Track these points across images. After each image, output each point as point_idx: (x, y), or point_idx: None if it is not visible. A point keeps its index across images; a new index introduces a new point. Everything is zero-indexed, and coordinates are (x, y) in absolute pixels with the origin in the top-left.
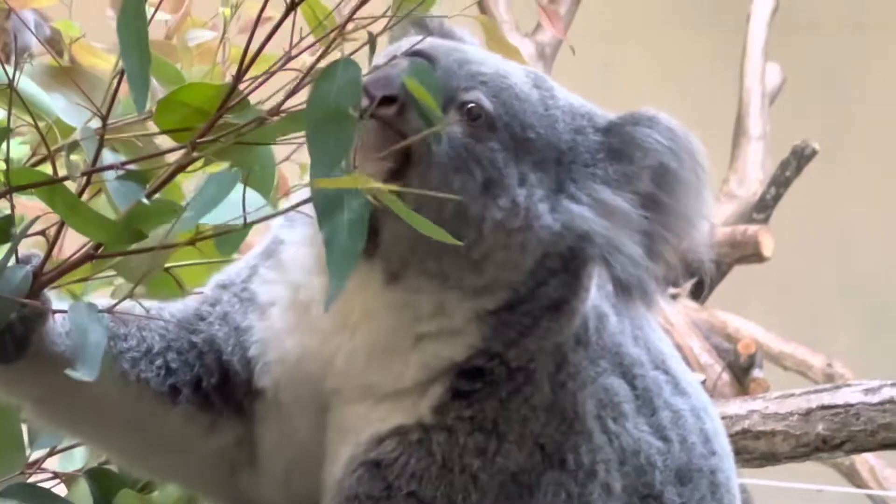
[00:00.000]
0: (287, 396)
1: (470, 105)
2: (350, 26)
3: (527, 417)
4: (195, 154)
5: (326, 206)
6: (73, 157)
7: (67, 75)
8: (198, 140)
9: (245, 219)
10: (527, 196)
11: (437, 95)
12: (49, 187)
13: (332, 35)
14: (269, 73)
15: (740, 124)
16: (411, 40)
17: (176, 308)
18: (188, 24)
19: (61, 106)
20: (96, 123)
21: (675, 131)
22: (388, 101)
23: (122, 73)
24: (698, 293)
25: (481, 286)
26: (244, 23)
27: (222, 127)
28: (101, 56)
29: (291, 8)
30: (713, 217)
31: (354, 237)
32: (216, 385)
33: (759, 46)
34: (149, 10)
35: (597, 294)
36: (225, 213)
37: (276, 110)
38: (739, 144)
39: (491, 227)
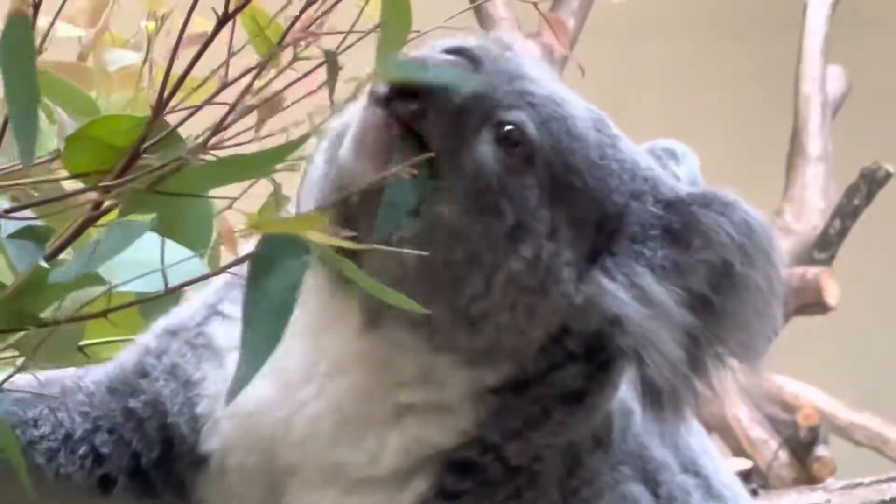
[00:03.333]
0: (232, 462)
1: (509, 127)
2: (304, 40)
3: None
4: (107, 202)
5: (258, 265)
6: None
7: None
8: (109, 183)
9: (167, 284)
10: (553, 253)
11: (473, 106)
12: None
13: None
14: (202, 103)
15: (796, 142)
16: (459, 39)
17: (103, 371)
18: (106, 43)
19: None
20: None
21: (753, 226)
22: (407, 94)
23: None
24: None
25: (478, 351)
26: (175, 41)
27: (142, 168)
28: None
29: (226, 19)
30: (779, 333)
31: (280, 312)
32: (157, 459)
33: (818, 46)
34: (66, 27)
35: (623, 386)
36: (146, 276)
37: (203, 147)
38: (795, 166)
39: (503, 280)
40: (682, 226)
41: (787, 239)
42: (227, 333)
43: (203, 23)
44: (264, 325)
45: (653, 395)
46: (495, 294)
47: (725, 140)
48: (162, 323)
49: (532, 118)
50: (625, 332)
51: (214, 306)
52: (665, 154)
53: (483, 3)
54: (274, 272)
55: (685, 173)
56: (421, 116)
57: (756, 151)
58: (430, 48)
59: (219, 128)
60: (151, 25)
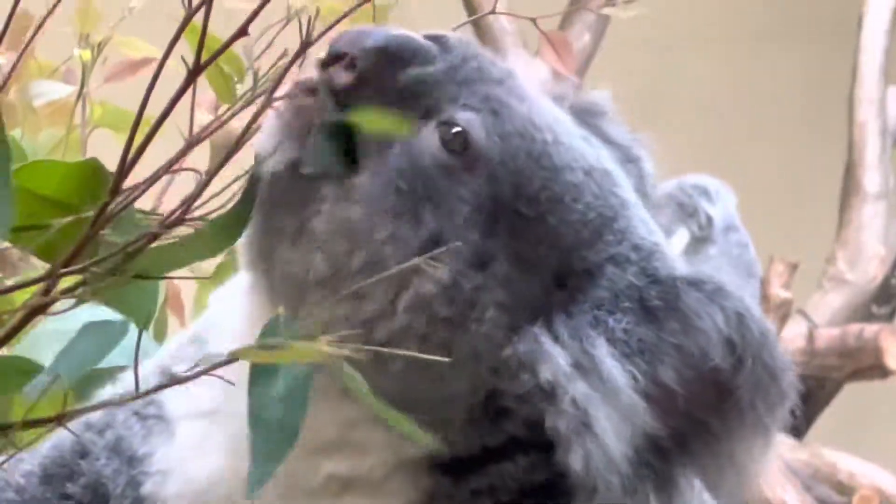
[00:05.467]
0: None
1: (456, 128)
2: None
3: None
4: (61, 291)
5: (257, 373)
6: None
7: None
8: (65, 269)
9: None
10: (477, 286)
11: (418, 93)
12: None
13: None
14: (174, 168)
15: (851, 176)
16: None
17: (36, 456)
18: (31, 71)
19: None
20: None
21: (748, 322)
22: (342, 60)
23: None
24: (795, 426)
25: (390, 397)
26: (111, 68)
27: (95, 246)
28: None
29: (199, 69)
30: (763, 463)
31: (293, 411)
32: None
33: (877, 63)
34: None
35: None
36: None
37: (181, 217)
38: (850, 206)
39: (409, 301)
40: (662, 303)
41: (841, 291)
42: (181, 399)
43: (143, 47)
44: (275, 424)
45: (577, 491)
46: (400, 317)
47: (768, 174)
48: (108, 392)
49: (487, 125)
50: (558, 409)
51: (168, 370)
52: (696, 191)
53: (483, 16)
54: (277, 377)
55: (719, 214)
56: (352, 89)
57: (803, 187)
58: None
59: (197, 194)
60: (86, 53)
